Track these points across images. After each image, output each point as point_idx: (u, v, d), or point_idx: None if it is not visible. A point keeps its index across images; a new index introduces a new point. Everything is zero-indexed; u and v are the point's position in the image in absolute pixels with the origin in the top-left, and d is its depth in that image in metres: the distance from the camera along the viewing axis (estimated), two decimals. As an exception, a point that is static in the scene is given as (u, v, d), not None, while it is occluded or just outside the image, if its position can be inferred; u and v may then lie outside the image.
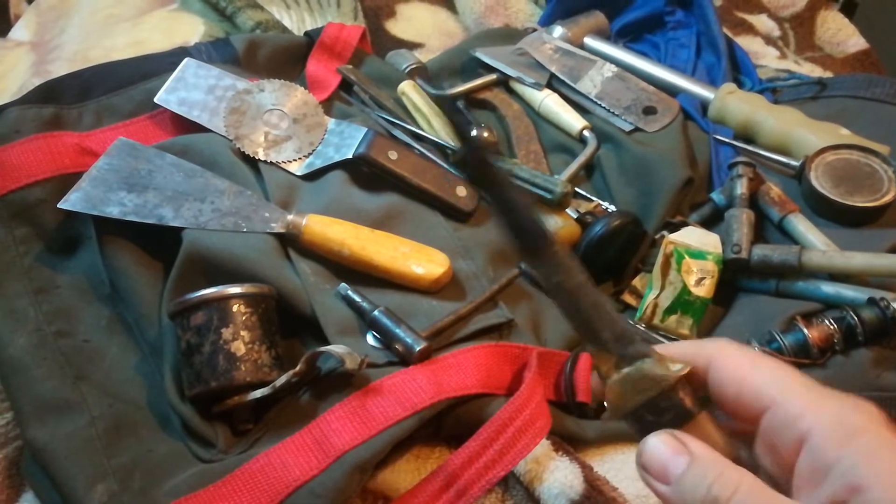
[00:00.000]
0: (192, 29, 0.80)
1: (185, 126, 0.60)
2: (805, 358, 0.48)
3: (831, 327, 0.49)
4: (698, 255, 0.54)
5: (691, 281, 0.54)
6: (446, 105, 0.63)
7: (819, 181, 0.59)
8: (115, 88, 0.62)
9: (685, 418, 0.30)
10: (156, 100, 0.61)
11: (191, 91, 0.61)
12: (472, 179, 0.36)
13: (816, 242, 0.56)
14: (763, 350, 0.49)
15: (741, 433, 0.31)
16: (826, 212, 0.58)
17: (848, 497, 0.26)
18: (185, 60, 0.63)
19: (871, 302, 0.50)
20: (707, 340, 0.32)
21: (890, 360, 0.48)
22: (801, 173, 0.60)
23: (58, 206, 0.52)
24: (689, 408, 0.30)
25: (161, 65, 0.64)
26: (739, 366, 0.30)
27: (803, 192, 0.60)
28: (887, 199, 0.56)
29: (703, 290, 0.54)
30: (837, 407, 0.28)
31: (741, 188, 0.58)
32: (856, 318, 0.49)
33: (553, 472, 0.43)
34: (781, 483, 0.29)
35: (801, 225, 0.57)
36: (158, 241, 0.53)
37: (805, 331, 0.49)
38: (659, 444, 0.30)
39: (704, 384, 0.32)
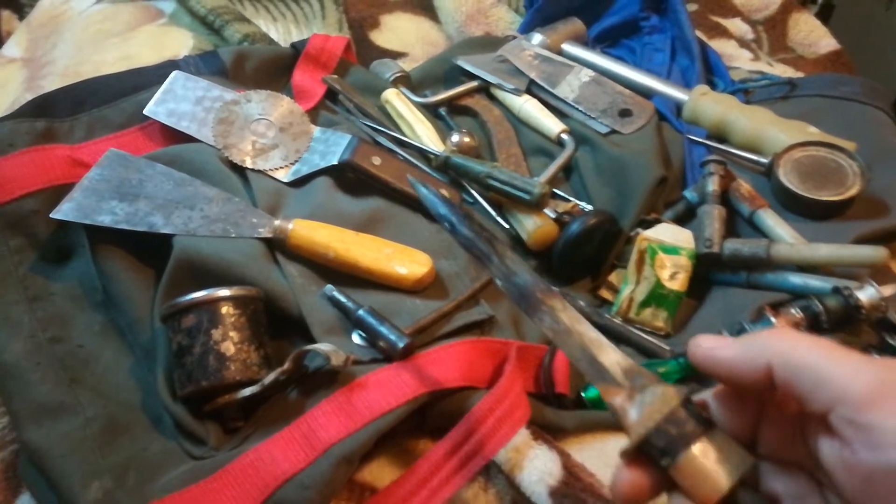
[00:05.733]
0: (181, 43, 0.82)
1: (175, 137, 0.62)
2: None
3: (797, 315, 0.51)
4: (672, 250, 0.56)
5: (665, 275, 0.56)
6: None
7: (787, 177, 0.61)
8: (106, 101, 0.64)
9: (699, 431, 0.29)
10: (145, 111, 0.62)
11: (180, 103, 0.63)
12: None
13: (785, 235, 0.57)
14: None
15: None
16: (794, 206, 0.60)
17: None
18: (174, 73, 0.65)
19: (836, 291, 0.52)
20: (761, 337, 0.29)
21: (852, 345, 0.50)
22: (771, 170, 0.62)
23: (51, 216, 0.54)
24: (704, 418, 0.30)
25: (151, 78, 0.65)
26: (814, 359, 0.27)
27: (772, 187, 0.62)
28: (852, 192, 0.58)
29: (677, 284, 0.56)
30: None
31: (713, 185, 0.60)
32: (821, 307, 0.50)
33: (532, 461, 0.44)
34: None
35: (770, 219, 0.59)
36: (150, 248, 0.54)
37: (773, 320, 0.50)
38: None
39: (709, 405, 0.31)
